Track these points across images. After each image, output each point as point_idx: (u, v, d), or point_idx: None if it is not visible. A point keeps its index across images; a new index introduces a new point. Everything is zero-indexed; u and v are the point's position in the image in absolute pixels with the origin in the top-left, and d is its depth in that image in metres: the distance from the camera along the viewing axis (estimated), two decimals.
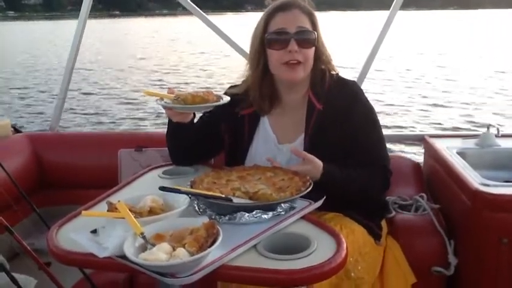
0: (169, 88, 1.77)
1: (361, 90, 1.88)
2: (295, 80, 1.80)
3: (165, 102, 1.71)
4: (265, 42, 1.78)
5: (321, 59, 1.83)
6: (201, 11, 3.12)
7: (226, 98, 1.75)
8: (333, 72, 1.86)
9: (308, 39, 1.76)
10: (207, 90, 1.74)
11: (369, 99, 1.86)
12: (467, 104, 10.36)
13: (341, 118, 1.78)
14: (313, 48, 1.79)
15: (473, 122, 8.83)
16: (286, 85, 1.85)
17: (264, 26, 1.79)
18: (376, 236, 1.81)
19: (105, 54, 21.57)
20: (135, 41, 29.66)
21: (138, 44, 26.96)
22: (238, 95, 1.89)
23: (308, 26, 1.77)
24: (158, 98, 1.73)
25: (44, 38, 33.73)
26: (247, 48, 1.94)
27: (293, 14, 1.77)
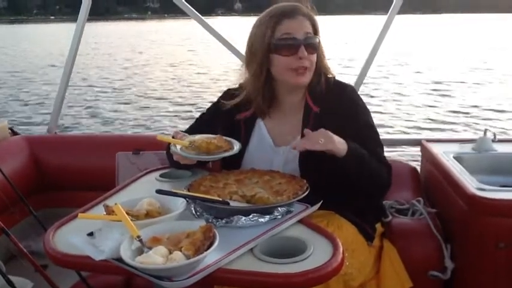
0: (175, 132, 1.76)
1: (358, 94, 1.89)
2: (302, 84, 1.81)
3: (181, 149, 1.69)
4: (271, 47, 1.77)
5: (320, 63, 1.84)
6: (198, 14, 3.12)
7: (237, 145, 1.73)
8: (330, 76, 1.87)
9: (315, 45, 1.78)
10: (218, 136, 1.74)
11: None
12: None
13: (338, 121, 1.77)
14: (316, 53, 1.80)
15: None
16: (287, 88, 1.85)
17: (271, 32, 1.77)
18: (368, 236, 1.80)
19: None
20: None
21: None
22: (236, 99, 1.89)
23: (312, 32, 1.79)
24: (172, 144, 1.72)
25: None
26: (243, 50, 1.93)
27: (299, 20, 1.77)
